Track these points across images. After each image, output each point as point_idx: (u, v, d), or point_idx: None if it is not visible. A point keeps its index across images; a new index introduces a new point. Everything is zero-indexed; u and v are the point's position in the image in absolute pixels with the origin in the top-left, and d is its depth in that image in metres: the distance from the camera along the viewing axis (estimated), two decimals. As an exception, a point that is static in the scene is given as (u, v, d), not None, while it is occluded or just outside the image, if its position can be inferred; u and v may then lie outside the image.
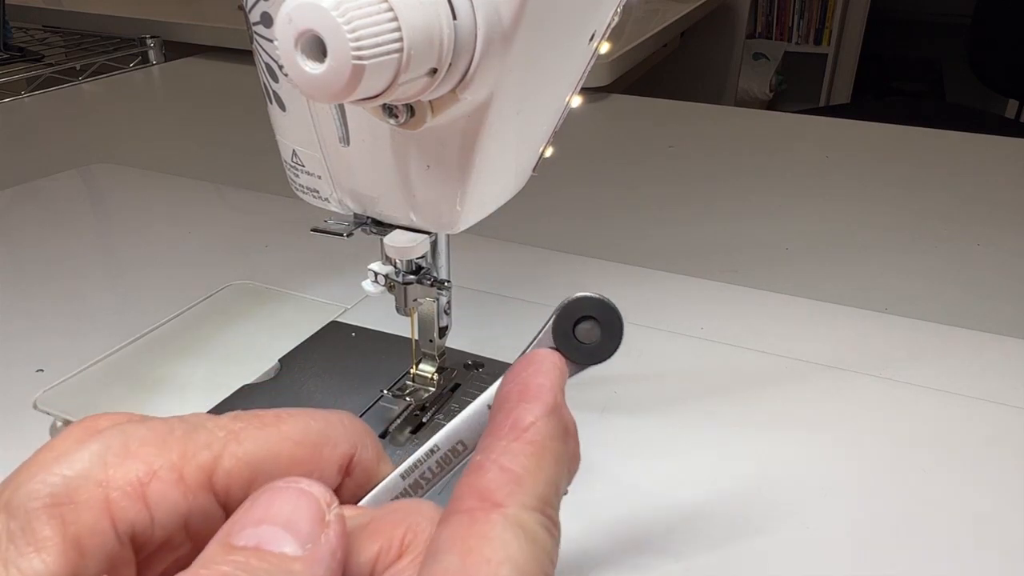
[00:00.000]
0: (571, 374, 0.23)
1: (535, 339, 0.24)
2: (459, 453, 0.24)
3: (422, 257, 0.37)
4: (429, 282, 0.38)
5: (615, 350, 0.23)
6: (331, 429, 0.23)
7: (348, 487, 0.23)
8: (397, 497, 0.23)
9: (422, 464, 0.24)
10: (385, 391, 0.42)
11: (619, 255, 0.59)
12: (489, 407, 0.24)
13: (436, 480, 0.24)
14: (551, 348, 0.23)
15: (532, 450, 0.19)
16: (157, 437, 0.21)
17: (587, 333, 0.23)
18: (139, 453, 0.20)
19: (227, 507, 0.21)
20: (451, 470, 0.24)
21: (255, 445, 0.21)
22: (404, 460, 0.24)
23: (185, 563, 0.20)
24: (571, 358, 0.23)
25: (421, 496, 0.23)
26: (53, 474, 0.19)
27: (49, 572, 0.18)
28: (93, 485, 0.19)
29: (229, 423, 0.22)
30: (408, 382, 0.42)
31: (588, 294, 0.23)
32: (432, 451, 0.24)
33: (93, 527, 0.19)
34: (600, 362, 0.24)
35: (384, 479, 0.23)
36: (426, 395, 0.41)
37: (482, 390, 0.42)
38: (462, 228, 0.32)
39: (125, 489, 0.19)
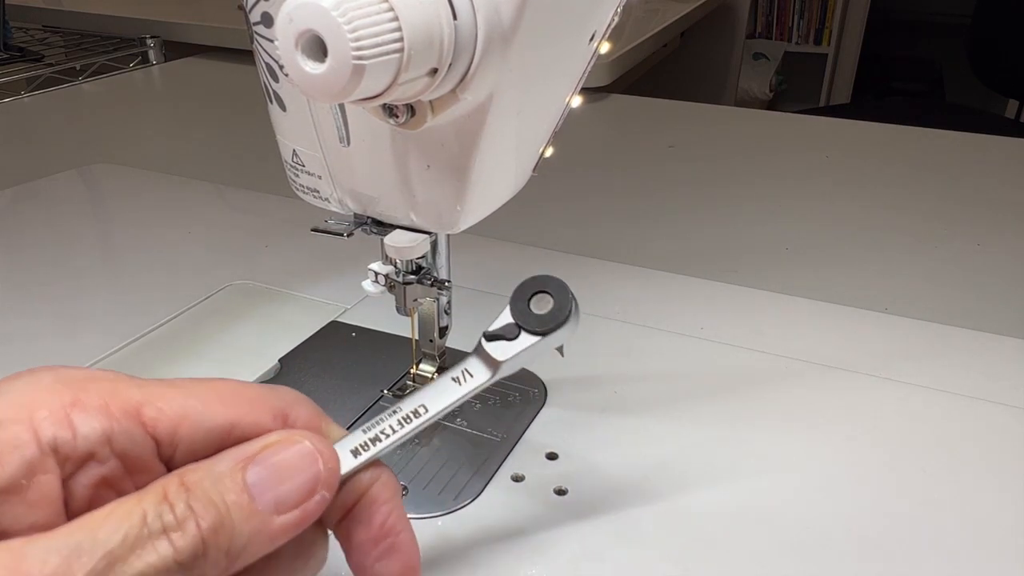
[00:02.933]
0: (533, 344, 0.27)
1: (498, 318, 0.27)
2: (419, 414, 0.26)
3: (422, 257, 0.37)
4: (429, 282, 0.38)
5: (567, 312, 0.27)
6: (262, 389, 0.25)
7: None
8: (356, 449, 0.25)
9: (383, 421, 0.26)
10: (385, 391, 0.42)
11: (619, 255, 0.59)
12: (454, 380, 0.27)
13: (396, 437, 0.26)
14: (512, 324, 0.27)
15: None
16: (89, 375, 0.23)
17: (540, 304, 0.27)
18: (69, 385, 0.22)
19: (156, 437, 0.22)
20: (412, 430, 0.26)
21: (186, 392, 0.23)
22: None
23: (113, 481, 0.22)
24: (533, 330, 0.27)
25: (379, 449, 0.25)
26: None
27: None
28: (18, 407, 0.21)
29: (164, 380, 0.24)
30: (408, 382, 0.42)
31: (537, 275, 0.27)
32: (394, 411, 0.26)
33: (14, 440, 0.20)
34: (560, 326, 0.27)
35: (337, 433, 0.26)
36: (426, 395, 0.41)
37: (482, 390, 0.42)
38: (462, 228, 0.32)
39: (51, 409, 0.21)
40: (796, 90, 2.86)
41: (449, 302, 0.40)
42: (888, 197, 0.72)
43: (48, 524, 0.20)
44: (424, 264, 0.38)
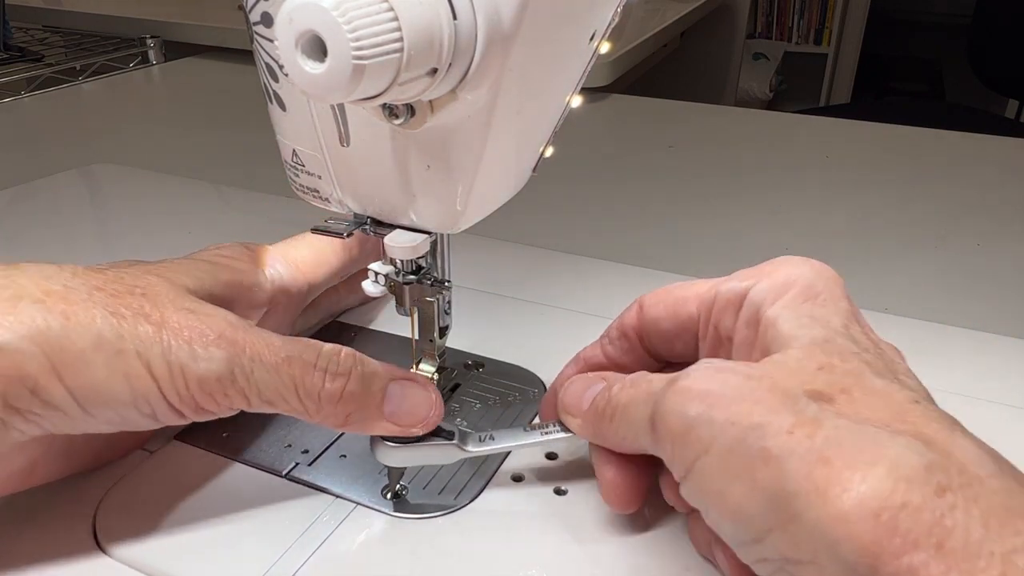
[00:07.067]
0: None
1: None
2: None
3: (422, 257, 0.37)
4: (429, 282, 0.38)
5: None
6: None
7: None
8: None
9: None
10: (385, 391, 0.42)
11: (619, 255, 0.59)
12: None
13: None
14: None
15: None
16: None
17: None
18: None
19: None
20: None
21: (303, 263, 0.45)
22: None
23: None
24: None
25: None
26: None
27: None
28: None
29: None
30: (408, 382, 0.42)
31: None
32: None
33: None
34: None
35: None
36: (426, 395, 0.41)
37: (482, 390, 0.42)
38: (462, 228, 0.32)
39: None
40: (796, 90, 2.86)
41: (449, 302, 0.40)
42: (888, 197, 0.72)
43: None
44: (424, 264, 0.38)
